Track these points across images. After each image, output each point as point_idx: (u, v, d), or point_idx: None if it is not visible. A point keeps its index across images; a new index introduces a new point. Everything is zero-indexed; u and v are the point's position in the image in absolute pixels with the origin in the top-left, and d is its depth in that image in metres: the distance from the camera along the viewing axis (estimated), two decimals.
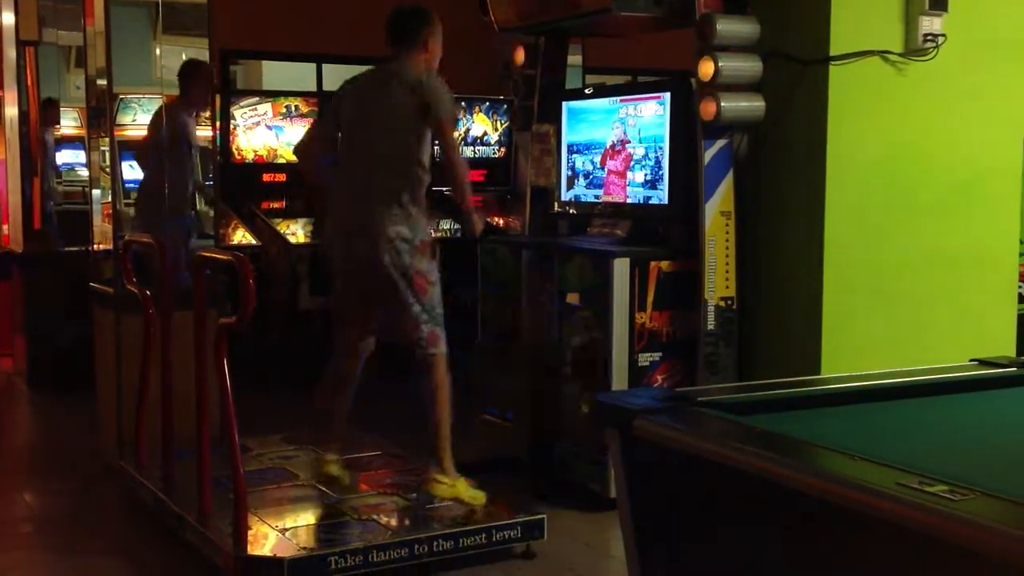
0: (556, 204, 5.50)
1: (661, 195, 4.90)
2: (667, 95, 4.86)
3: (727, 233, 4.66)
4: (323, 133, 4.71)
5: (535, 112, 5.59)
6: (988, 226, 4.92)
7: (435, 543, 3.98)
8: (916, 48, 4.59)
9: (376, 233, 4.22)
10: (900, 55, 4.60)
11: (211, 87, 6.25)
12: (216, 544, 3.98)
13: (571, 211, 5.45)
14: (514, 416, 5.23)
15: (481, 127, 8.55)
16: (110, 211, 5.66)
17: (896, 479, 1.76)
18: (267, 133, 7.95)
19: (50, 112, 8.52)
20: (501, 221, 8.07)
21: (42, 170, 8.16)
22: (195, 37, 5.84)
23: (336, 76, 8.70)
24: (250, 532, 3.95)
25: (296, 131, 7.99)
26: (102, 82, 5.50)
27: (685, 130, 4.73)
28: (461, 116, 8.43)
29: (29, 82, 7.91)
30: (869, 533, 1.77)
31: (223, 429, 3.97)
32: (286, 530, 4.07)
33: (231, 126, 7.81)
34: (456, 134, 8.23)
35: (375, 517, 4.19)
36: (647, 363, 4.70)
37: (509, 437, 5.26)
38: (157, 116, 6.08)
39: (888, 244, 4.68)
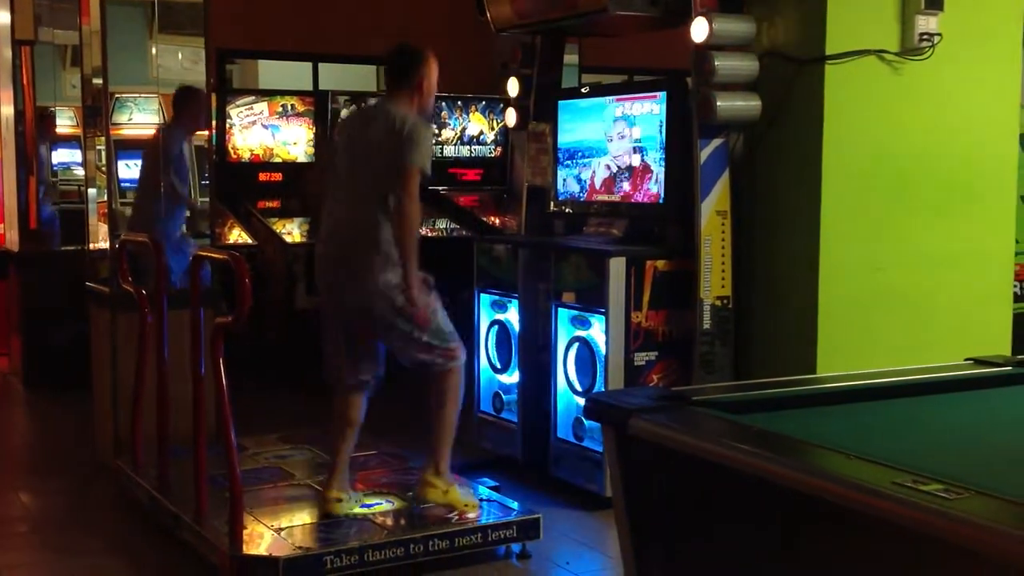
0: (552, 203, 5.50)
1: (657, 194, 4.90)
2: (663, 94, 4.87)
3: (723, 232, 4.67)
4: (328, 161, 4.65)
5: (531, 111, 5.60)
6: (984, 225, 4.92)
7: (431, 543, 3.97)
8: (912, 47, 4.59)
9: (364, 285, 4.08)
10: (896, 54, 4.61)
11: (206, 112, 6.18)
12: (212, 543, 3.97)
13: (567, 210, 5.45)
14: (510, 415, 5.24)
15: (477, 126, 8.55)
16: (106, 210, 5.65)
17: (891, 478, 1.76)
18: (263, 132, 7.96)
19: (46, 124, 8.49)
20: (497, 221, 8.07)
21: (38, 170, 8.14)
22: (191, 36, 5.83)
23: (332, 75, 8.74)
24: (246, 531, 3.94)
25: (292, 130, 8.01)
26: (98, 81, 5.50)
27: (681, 129, 4.74)
28: (457, 116, 8.43)
29: (25, 81, 7.90)
30: (864, 532, 1.77)
31: (219, 428, 3.96)
32: (282, 529, 4.06)
33: (227, 125, 7.82)
34: (452, 134, 8.30)
35: (371, 517, 4.19)
36: (643, 362, 4.70)
37: (505, 436, 5.26)
38: (151, 143, 6.07)
39: (883, 243, 4.68)
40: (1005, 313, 5.04)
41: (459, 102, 8.39)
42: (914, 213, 4.74)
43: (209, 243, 5.98)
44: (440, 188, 8.16)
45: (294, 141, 8.06)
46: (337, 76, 8.78)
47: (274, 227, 7.53)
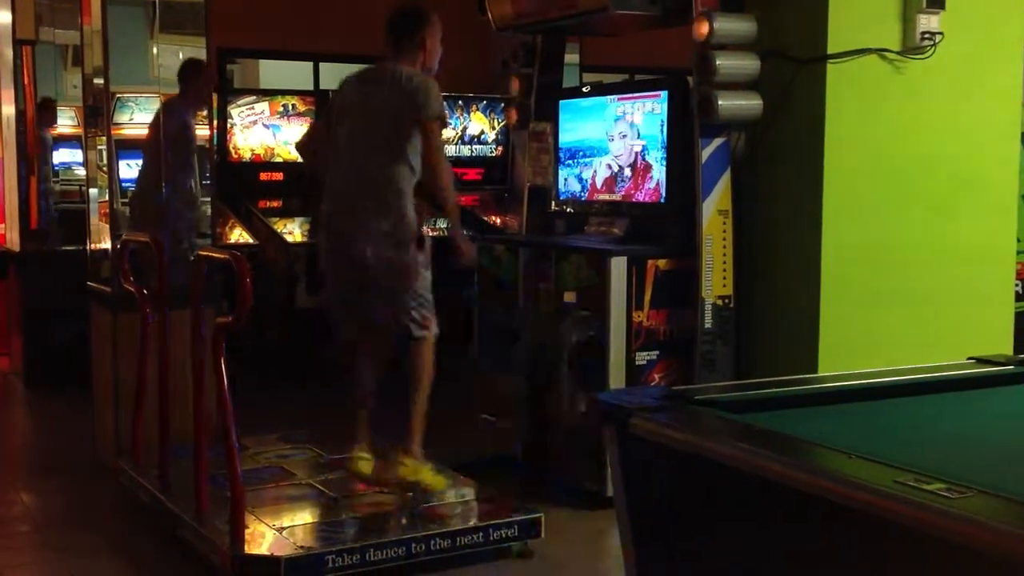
0: (553, 203, 5.50)
1: (658, 194, 4.89)
2: (664, 93, 4.87)
3: (724, 231, 4.66)
4: (322, 129, 4.71)
5: (532, 111, 5.59)
6: (985, 224, 4.92)
7: (432, 542, 3.97)
8: (914, 46, 4.59)
9: (360, 229, 4.23)
10: (898, 53, 4.60)
11: (211, 86, 6.25)
12: (213, 543, 3.97)
13: (568, 210, 5.45)
14: (511, 415, 5.23)
15: (478, 126, 8.55)
16: (107, 210, 5.65)
17: (893, 477, 1.76)
18: (264, 132, 7.96)
19: (47, 112, 8.52)
20: (498, 221, 8.07)
21: (39, 169, 8.14)
22: (192, 36, 5.83)
23: (333, 75, 8.73)
24: (247, 531, 3.94)
25: (293, 130, 8.00)
26: (99, 81, 5.50)
27: (682, 129, 4.73)
28: (458, 115, 8.42)
29: (26, 81, 7.90)
30: (866, 531, 1.77)
31: (220, 428, 3.96)
32: (283, 529, 4.06)
33: (228, 125, 7.81)
34: (453, 133, 8.29)
35: (372, 516, 4.18)
36: (644, 362, 4.70)
37: (506, 436, 5.26)
38: (157, 117, 6.08)
39: (885, 242, 4.67)
40: (1007, 312, 5.03)
41: (460, 101, 8.38)
42: (916, 211, 4.73)
43: (210, 243, 5.99)
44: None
45: (295, 141, 8.05)
46: (338, 75, 8.74)
47: (275, 227, 7.53)
